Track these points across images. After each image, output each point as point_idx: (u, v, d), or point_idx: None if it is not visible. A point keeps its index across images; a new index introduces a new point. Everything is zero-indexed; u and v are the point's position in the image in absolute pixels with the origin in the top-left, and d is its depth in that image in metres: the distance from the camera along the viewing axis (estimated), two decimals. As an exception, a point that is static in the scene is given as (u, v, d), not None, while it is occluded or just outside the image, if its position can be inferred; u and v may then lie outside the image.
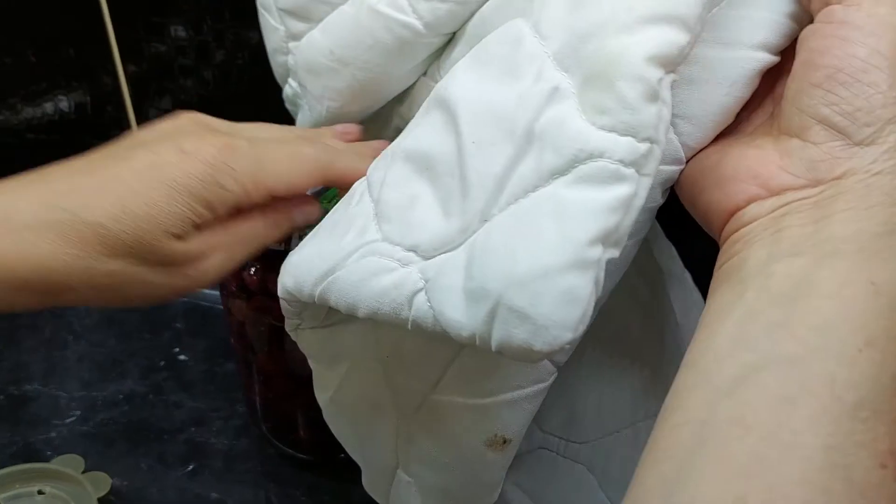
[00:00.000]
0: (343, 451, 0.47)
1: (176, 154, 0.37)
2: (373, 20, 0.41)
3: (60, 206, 0.36)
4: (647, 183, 0.32)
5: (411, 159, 0.37)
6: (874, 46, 0.31)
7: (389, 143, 0.39)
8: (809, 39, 0.33)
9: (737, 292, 0.31)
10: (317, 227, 0.40)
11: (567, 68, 0.33)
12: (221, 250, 0.39)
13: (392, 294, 0.35)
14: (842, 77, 0.31)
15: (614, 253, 0.32)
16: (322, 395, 0.46)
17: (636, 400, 0.48)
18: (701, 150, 0.36)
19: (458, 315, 0.33)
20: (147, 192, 0.36)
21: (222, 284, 0.57)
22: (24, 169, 0.37)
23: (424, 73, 0.44)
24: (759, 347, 0.29)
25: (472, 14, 0.40)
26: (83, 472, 0.60)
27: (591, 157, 0.32)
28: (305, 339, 0.44)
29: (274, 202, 0.40)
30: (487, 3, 0.40)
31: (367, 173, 0.39)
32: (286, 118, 0.49)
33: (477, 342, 0.33)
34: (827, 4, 0.32)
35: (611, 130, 0.31)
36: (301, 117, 0.47)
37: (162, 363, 0.71)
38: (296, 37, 0.44)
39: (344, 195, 0.40)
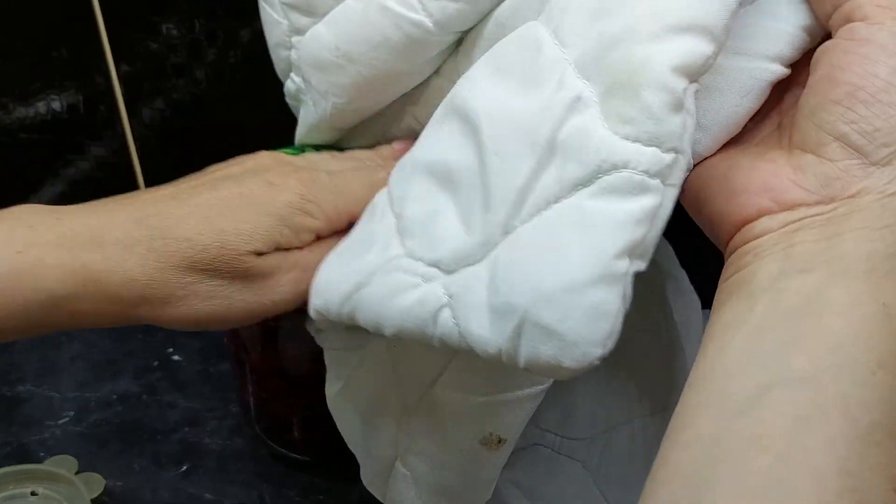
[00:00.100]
0: (336, 450, 0.47)
1: (264, 186, 0.40)
2: (381, 16, 0.40)
3: (150, 225, 0.38)
4: (672, 194, 0.32)
5: (433, 173, 0.37)
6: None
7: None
8: (829, 55, 0.32)
9: (746, 306, 0.31)
10: (341, 243, 0.41)
11: (589, 76, 0.32)
12: (299, 269, 0.40)
13: (416, 311, 0.35)
14: (862, 95, 0.30)
15: (641, 265, 0.32)
16: (333, 387, 0.46)
17: (632, 397, 0.48)
18: (706, 159, 0.35)
19: (484, 331, 0.33)
20: (236, 213, 0.39)
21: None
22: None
23: (438, 74, 0.43)
24: (770, 365, 0.29)
25: (483, 13, 0.40)
26: (77, 473, 0.60)
27: (615, 167, 0.31)
28: (327, 337, 0.44)
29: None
30: (502, 5, 0.39)
31: (389, 187, 0.40)
32: (281, 117, 0.49)
33: (504, 359, 0.33)
34: (849, 21, 0.32)
35: (635, 140, 0.31)
36: (304, 113, 0.46)
37: (156, 363, 0.71)
38: (299, 31, 0.44)
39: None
